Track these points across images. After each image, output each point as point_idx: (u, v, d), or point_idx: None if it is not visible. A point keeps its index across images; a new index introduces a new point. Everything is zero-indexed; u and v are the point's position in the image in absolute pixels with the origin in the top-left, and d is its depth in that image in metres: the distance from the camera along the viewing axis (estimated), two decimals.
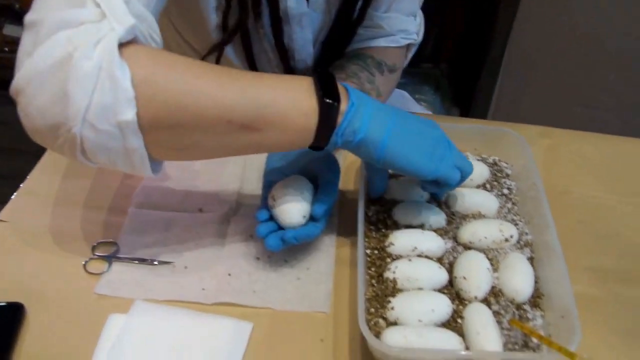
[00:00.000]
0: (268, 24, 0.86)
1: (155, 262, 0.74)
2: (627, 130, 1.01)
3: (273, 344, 0.67)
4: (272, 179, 0.76)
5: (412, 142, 0.65)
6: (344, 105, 0.61)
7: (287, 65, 0.93)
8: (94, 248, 0.76)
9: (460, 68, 1.88)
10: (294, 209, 0.70)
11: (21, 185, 0.84)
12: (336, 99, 0.60)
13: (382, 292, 0.68)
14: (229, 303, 0.70)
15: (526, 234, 0.76)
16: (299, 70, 0.95)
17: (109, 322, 0.67)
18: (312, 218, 0.72)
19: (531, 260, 0.73)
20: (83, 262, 0.74)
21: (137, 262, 0.74)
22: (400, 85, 1.82)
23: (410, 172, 0.67)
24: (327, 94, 0.60)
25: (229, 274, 0.73)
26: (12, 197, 0.82)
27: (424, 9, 0.98)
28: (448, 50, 1.93)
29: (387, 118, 0.64)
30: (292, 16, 0.85)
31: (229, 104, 0.57)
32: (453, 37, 1.91)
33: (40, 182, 0.85)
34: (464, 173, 0.71)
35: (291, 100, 0.59)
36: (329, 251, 0.76)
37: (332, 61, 0.93)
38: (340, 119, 0.61)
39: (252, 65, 0.93)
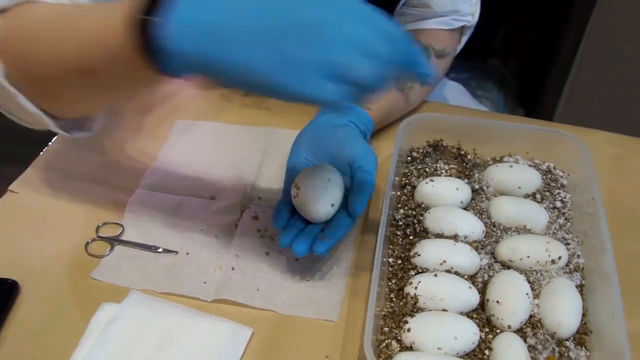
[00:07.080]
0: None
1: (160, 250, 0.69)
2: None
3: (272, 355, 0.60)
4: (296, 167, 0.69)
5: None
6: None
7: None
8: (98, 228, 0.72)
9: (530, 66, 1.74)
10: (322, 198, 0.63)
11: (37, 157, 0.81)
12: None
13: (400, 309, 0.59)
14: (229, 301, 0.63)
15: (578, 256, 0.65)
16: None
17: (99, 310, 0.63)
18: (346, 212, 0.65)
19: (581, 288, 0.63)
20: (85, 243, 0.70)
21: (140, 248, 0.69)
22: (461, 80, 1.70)
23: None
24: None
25: (233, 268, 0.66)
26: (28, 168, 0.80)
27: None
28: (518, 46, 1.79)
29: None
30: None
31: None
32: (524, 32, 1.77)
33: (59, 154, 0.82)
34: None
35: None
36: (346, 254, 0.68)
37: None
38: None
39: None
